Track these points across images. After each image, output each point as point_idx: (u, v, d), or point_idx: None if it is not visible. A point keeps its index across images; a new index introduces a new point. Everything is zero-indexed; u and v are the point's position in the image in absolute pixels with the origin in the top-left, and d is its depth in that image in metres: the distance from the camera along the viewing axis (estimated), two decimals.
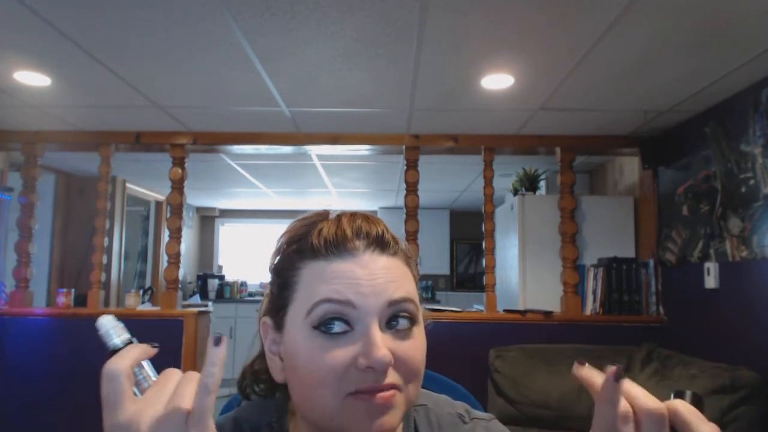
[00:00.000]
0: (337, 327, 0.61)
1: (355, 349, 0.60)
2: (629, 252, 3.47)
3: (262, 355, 0.72)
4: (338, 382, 0.59)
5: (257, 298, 6.79)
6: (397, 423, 0.61)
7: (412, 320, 0.64)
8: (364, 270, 0.63)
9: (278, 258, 0.69)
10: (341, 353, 0.60)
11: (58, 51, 2.18)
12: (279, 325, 0.67)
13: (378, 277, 0.63)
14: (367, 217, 0.67)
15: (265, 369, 0.71)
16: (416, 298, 0.66)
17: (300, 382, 0.63)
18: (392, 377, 0.60)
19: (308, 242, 0.65)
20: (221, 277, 6.86)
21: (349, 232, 0.64)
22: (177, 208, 3.34)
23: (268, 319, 0.69)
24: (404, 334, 0.63)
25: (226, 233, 7.49)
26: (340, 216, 0.68)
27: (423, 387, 0.80)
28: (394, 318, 0.63)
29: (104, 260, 3.34)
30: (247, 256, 7.40)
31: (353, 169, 4.59)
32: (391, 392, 0.60)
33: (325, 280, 0.62)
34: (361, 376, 0.59)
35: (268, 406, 0.72)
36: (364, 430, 0.59)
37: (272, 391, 0.74)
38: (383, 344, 0.60)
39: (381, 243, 0.65)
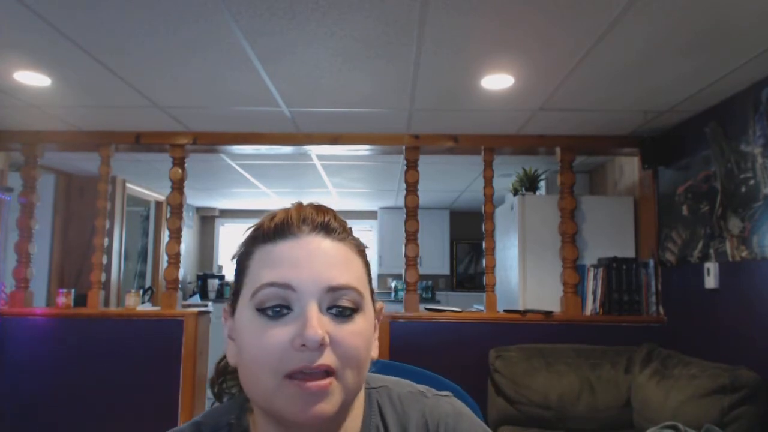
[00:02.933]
0: (278, 309, 0.64)
1: (293, 328, 0.62)
2: (629, 252, 3.47)
3: None
4: (276, 362, 0.62)
5: None
6: (331, 411, 0.63)
7: (355, 307, 0.66)
8: (303, 250, 0.66)
9: (240, 247, 0.72)
10: (280, 333, 0.62)
11: (58, 51, 2.18)
12: (233, 310, 0.70)
13: (317, 258, 0.66)
14: (318, 206, 0.71)
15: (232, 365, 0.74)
16: (362, 287, 0.68)
17: (244, 363, 0.65)
18: (328, 359, 0.62)
19: (261, 229, 0.69)
20: (221, 277, 6.86)
21: (295, 217, 0.68)
22: (177, 208, 3.34)
23: (227, 306, 0.72)
24: (344, 320, 0.65)
25: (226, 233, 7.49)
26: (294, 205, 0.72)
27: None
28: (335, 303, 0.65)
29: (104, 260, 3.34)
30: None
31: (353, 169, 4.59)
32: (327, 381, 0.62)
33: (269, 263, 0.66)
34: (298, 355, 0.61)
35: (230, 407, 0.75)
36: (299, 416, 0.61)
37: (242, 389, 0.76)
38: (319, 324, 0.62)
39: (326, 228, 0.68)
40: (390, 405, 0.75)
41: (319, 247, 0.67)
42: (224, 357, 0.77)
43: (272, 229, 0.68)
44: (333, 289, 0.64)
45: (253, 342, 0.63)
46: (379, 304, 0.73)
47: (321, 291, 0.64)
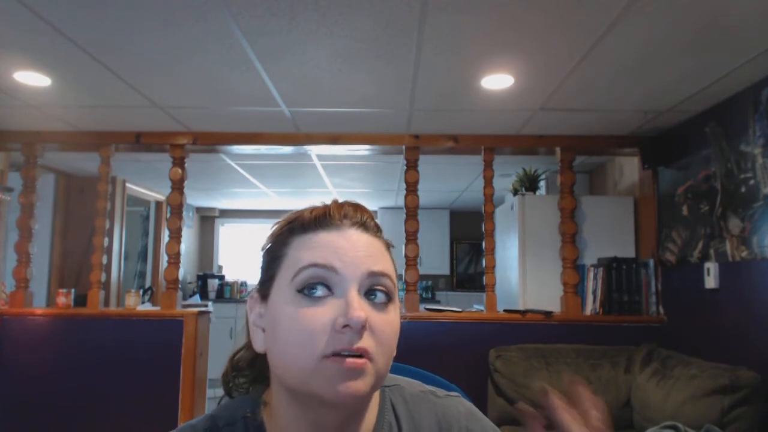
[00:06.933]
0: (319, 291, 0.65)
1: (334, 310, 0.64)
2: (629, 252, 3.47)
3: (243, 348, 0.77)
4: (316, 342, 0.63)
5: None
6: (364, 390, 0.64)
7: (389, 296, 0.68)
8: (347, 242, 0.68)
9: (272, 239, 0.74)
10: (321, 314, 0.64)
11: (58, 51, 2.18)
12: (265, 295, 0.71)
13: (360, 249, 0.68)
14: (356, 205, 0.73)
15: (245, 360, 0.76)
16: (394, 279, 0.71)
17: (280, 344, 0.66)
18: (366, 342, 0.64)
19: (300, 220, 0.71)
20: (221, 277, 6.86)
21: (336, 211, 0.71)
22: (177, 209, 3.34)
23: (255, 293, 0.73)
24: (380, 307, 0.67)
25: (226, 233, 7.49)
26: (331, 202, 0.74)
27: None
28: (372, 290, 0.67)
29: (104, 260, 3.34)
30: (247, 256, 7.40)
31: (353, 169, 4.60)
32: (363, 360, 0.63)
33: (311, 246, 0.68)
34: (338, 337, 0.63)
35: (243, 402, 0.76)
36: (334, 393, 0.63)
37: (252, 384, 0.78)
38: (360, 307, 0.64)
39: (364, 225, 0.72)
40: (403, 403, 0.78)
41: (360, 239, 0.69)
42: (238, 351, 0.79)
43: (313, 220, 0.70)
44: (373, 274, 0.67)
45: (293, 322, 0.65)
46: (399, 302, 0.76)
47: (362, 275, 0.66)
